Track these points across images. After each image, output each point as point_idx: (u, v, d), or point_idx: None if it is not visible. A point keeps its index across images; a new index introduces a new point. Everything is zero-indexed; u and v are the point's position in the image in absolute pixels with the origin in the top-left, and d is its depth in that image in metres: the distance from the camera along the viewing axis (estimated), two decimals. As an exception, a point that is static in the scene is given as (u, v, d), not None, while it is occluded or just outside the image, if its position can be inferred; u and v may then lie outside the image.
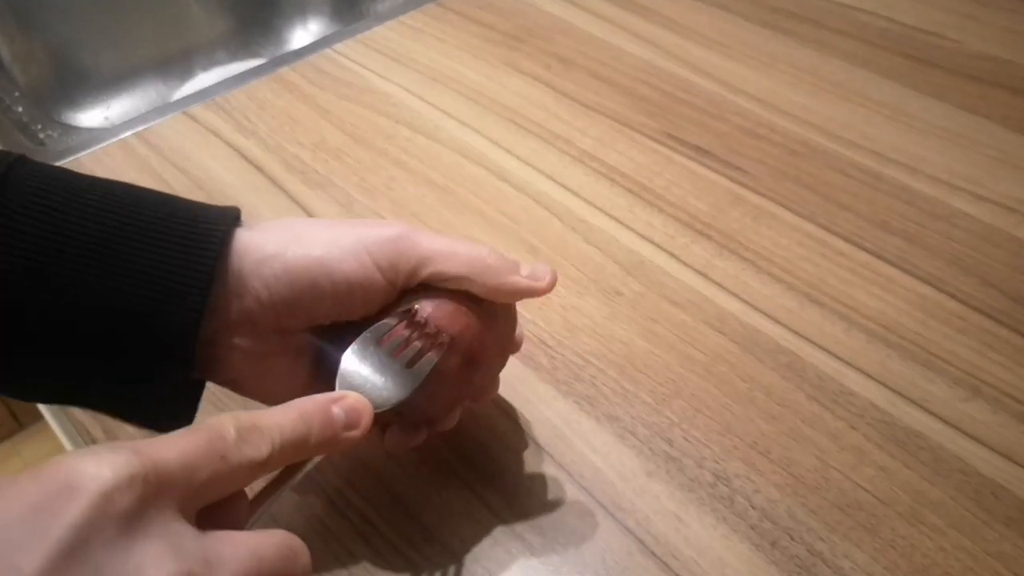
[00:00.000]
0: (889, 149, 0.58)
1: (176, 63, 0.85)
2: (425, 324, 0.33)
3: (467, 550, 0.37)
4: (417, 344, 0.33)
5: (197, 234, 0.30)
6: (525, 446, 0.41)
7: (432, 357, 0.33)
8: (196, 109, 0.64)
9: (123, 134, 0.62)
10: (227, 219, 0.31)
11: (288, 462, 0.28)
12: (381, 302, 0.33)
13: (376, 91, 0.65)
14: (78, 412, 0.42)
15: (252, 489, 0.28)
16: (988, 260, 0.49)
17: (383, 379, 0.32)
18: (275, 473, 0.29)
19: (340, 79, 0.66)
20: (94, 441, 0.41)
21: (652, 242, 0.51)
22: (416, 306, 0.33)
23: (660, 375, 0.44)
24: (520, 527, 0.37)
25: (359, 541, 0.37)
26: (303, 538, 0.37)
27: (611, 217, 0.53)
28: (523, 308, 0.47)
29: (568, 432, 0.41)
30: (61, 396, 0.32)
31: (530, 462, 0.40)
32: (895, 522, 0.37)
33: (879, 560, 0.36)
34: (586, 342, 0.46)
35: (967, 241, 0.51)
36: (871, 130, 0.59)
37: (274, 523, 0.38)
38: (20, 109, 0.69)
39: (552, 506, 0.38)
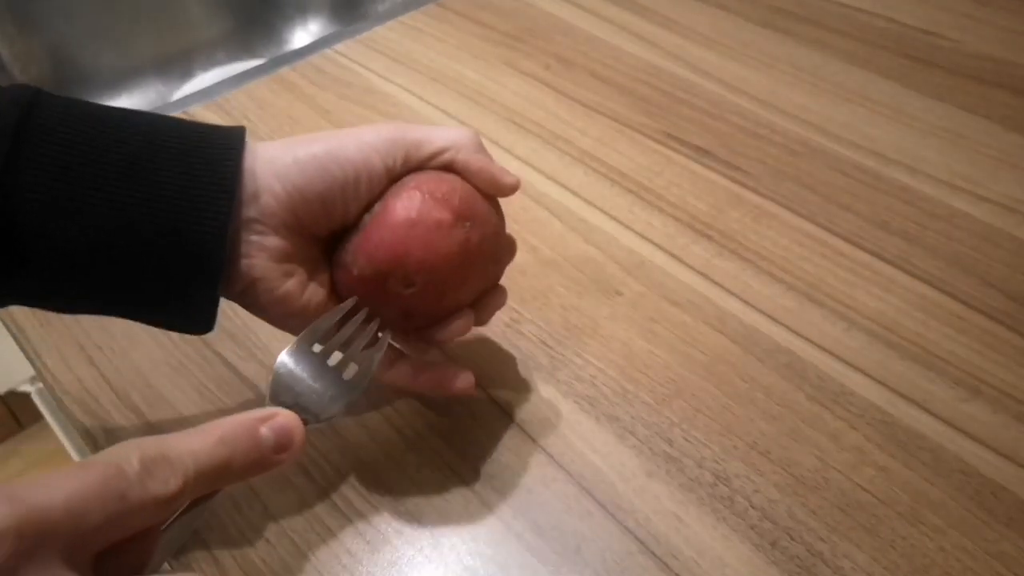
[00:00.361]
0: (889, 149, 0.58)
1: (176, 63, 0.85)
2: (368, 319, 0.33)
3: (467, 550, 0.37)
4: (359, 344, 0.32)
5: (214, 146, 0.32)
6: (525, 446, 0.41)
7: (375, 356, 0.32)
8: (196, 109, 0.64)
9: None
10: (238, 132, 0.34)
11: (206, 491, 0.26)
12: (379, 190, 0.35)
13: (376, 91, 0.65)
14: (78, 412, 0.42)
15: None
16: (988, 260, 0.49)
17: (321, 387, 0.31)
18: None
19: (340, 79, 0.66)
20: (95, 442, 0.41)
21: (652, 242, 0.51)
22: (391, 216, 0.33)
23: (660, 375, 0.44)
24: (520, 527, 0.37)
25: (359, 541, 0.37)
26: (303, 538, 0.37)
27: (611, 217, 0.53)
28: (523, 308, 0.47)
29: (568, 432, 0.41)
30: (95, 308, 0.33)
31: (530, 462, 0.40)
32: (895, 522, 0.37)
33: (879, 560, 0.36)
34: (586, 342, 0.46)
35: (967, 241, 0.51)
36: (871, 130, 0.59)
37: (274, 524, 0.38)
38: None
39: (552, 506, 0.38)
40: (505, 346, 0.45)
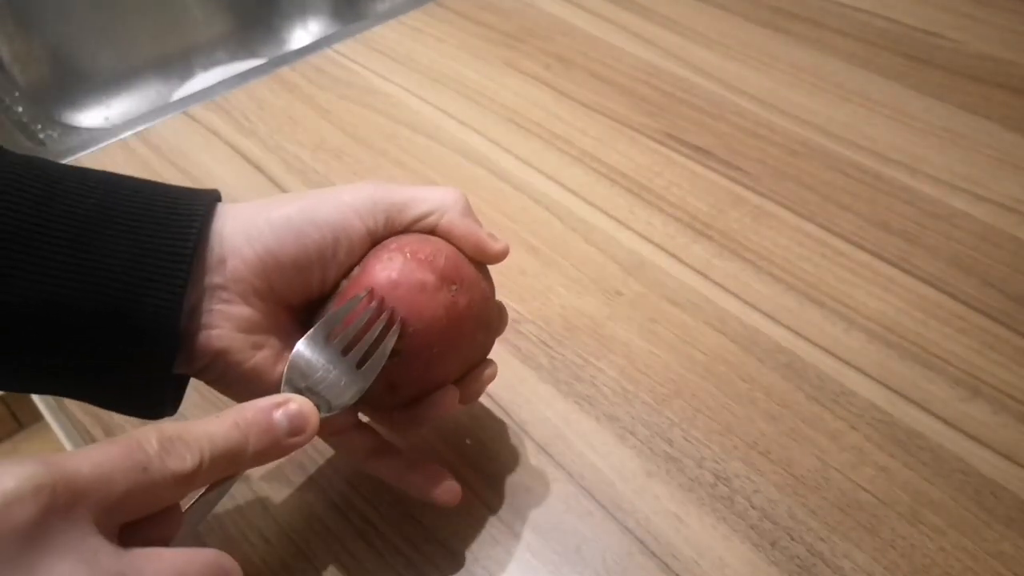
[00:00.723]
0: (889, 149, 0.58)
1: (176, 63, 0.85)
2: (380, 305, 0.31)
3: (467, 550, 0.37)
4: (370, 337, 0.31)
5: (177, 211, 0.30)
6: (525, 446, 0.41)
7: (384, 354, 0.31)
8: (196, 109, 0.64)
9: (123, 134, 0.62)
10: (207, 196, 0.31)
11: (224, 474, 0.27)
12: (360, 252, 0.33)
13: (376, 91, 0.65)
14: (78, 412, 0.42)
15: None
16: (988, 260, 0.49)
17: (336, 376, 0.30)
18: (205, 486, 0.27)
19: (340, 79, 0.66)
20: (94, 440, 0.41)
21: (652, 242, 0.51)
22: (370, 278, 0.32)
23: (660, 375, 0.44)
24: (520, 527, 0.37)
25: (359, 541, 0.37)
26: (303, 538, 0.37)
27: (611, 217, 0.53)
28: (524, 308, 0.47)
29: (568, 432, 0.41)
30: (43, 387, 0.31)
31: (530, 462, 0.40)
32: (895, 522, 0.37)
33: (879, 560, 0.36)
34: (586, 342, 0.46)
35: (967, 241, 0.51)
36: (871, 130, 0.59)
37: (274, 524, 0.38)
38: (20, 109, 0.69)
39: (552, 506, 0.38)
40: (505, 346, 0.45)
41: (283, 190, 0.56)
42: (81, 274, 0.28)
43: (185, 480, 0.25)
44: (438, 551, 0.37)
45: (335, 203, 0.32)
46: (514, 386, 0.43)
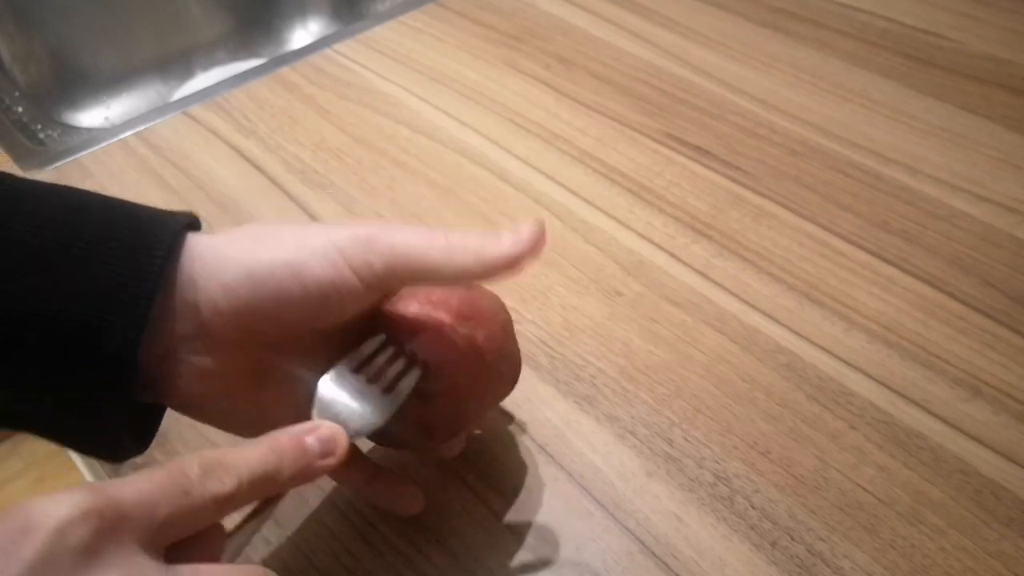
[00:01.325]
0: (889, 149, 0.58)
1: (176, 63, 0.85)
2: (402, 345, 0.32)
3: (467, 550, 0.37)
4: (395, 369, 0.32)
5: (143, 240, 0.27)
6: (525, 446, 0.41)
7: (410, 381, 0.32)
8: (196, 109, 0.64)
9: (123, 134, 0.62)
10: (177, 224, 0.29)
11: (261, 496, 0.28)
12: (355, 308, 0.30)
13: (376, 91, 0.65)
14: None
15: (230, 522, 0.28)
16: (988, 260, 0.49)
17: (360, 405, 0.31)
18: (251, 507, 0.29)
19: (340, 79, 0.66)
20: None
21: (652, 242, 0.51)
22: (392, 322, 0.33)
23: (660, 375, 0.44)
24: (520, 527, 0.37)
25: (359, 541, 0.37)
26: (304, 538, 0.37)
27: (611, 217, 0.53)
28: (523, 308, 0.47)
29: (568, 432, 0.41)
30: (4, 421, 0.29)
31: (530, 462, 0.40)
32: (895, 522, 0.37)
33: (879, 560, 0.36)
34: (586, 342, 0.46)
35: (967, 241, 0.51)
36: (871, 130, 0.59)
37: (274, 524, 0.38)
38: (20, 109, 0.69)
39: (552, 506, 0.38)
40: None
41: (283, 190, 0.56)
42: (38, 301, 0.26)
43: (225, 502, 0.26)
44: (438, 551, 0.37)
45: (327, 255, 0.28)
46: (514, 386, 0.43)
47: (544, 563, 0.36)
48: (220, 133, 0.61)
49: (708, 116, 0.61)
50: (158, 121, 0.63)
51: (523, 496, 0.39)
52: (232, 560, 0.28)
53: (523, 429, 0.41)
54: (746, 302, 0.47)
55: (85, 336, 0.26)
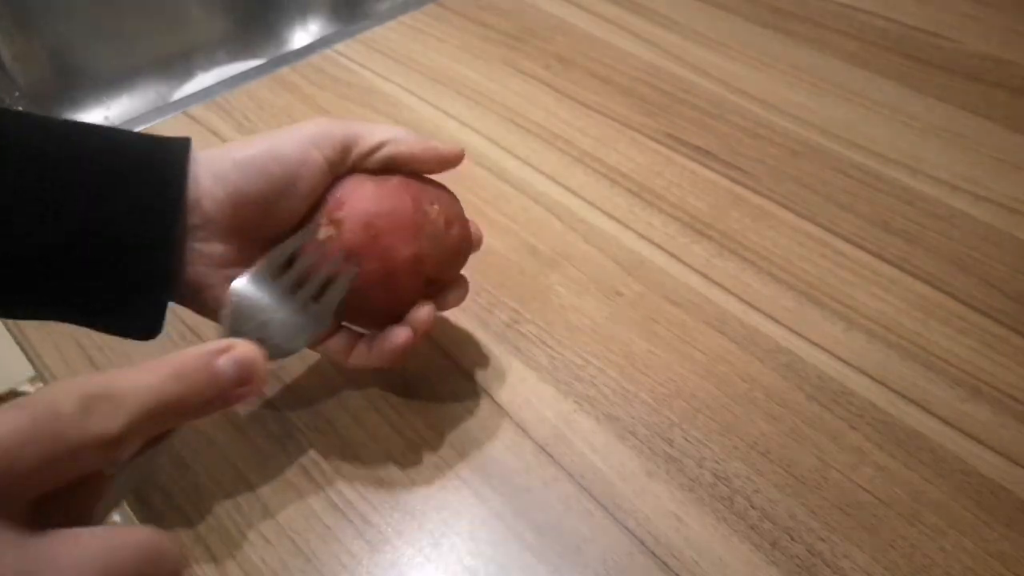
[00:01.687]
0: (889, 149, 0.58)
1: (176, 63, 0.85)
2: (329, 239, 0.31)
3: (467, 550, 0.37)
4: (322, 273, 0.29)
5: (158, 162, 0.33)
6: (525, 446, 0.41)
7: (342, 287, 0.29)
8: (196, 109, 0.64)
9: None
10: (182, 144, 0.34)
11: (158, 431, 0.23)
12: (322, 184, 0.35)
13: (376, 91, 0.65)
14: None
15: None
16: (988, 260, 0.49)
17: (284, 317, 0.28)
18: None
19: (340, 79, 0.66)
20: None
21: (652, 242, 0.51)
22: (321, 219, 0.34)
23: (660, 375, 0.44)
24: (520, 527, 0.37)
25: (359, 541, 0.37)
26: (303, 538, 0.37)
27: (611, 217, 0.53)
28: (523, 308, 0.47)
29: (568, 432, 0.41)
30: (38, 313, 0.34)
31: (530, 462, 0.40)
32: (895, 522, 0.37)
33: (879, 560, 0.36)
34: (586, 342, 0.46)
35: (967, 241, 0.51)
36: (871, 130, 0.59)
37: (274, 524, 0.38)
38: (20, 109, 0.69)
39: (552, 506, 0.38)
40: (505, 346, 0.45)
41: (283, 190, 0.56)
42: (83, 219, 0.31)
43: (112, 444, 0.21)
44: (438, 551, 0.37)
45: (294, 139, 0.34)
46: (514, 386, 0.43)
47: (544, 563, 0.36)
48: (220, 133, 0.61)
49: (708, 116, 0.61)
50: (158, 121, 0.63)
51: (523, 496, 0.39)
52: (115, 504, 0.24)
53: (523, 429, 0.41)
54: (746, 302, 0.47)
55: (126, 242, 0.31)
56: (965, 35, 0.68)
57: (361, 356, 0.37)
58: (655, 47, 0.68)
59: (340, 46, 0.70)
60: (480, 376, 0.44)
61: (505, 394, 0.43)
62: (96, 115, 0.81)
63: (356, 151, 0.36)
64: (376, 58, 0.69)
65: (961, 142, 0.58)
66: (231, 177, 0.33)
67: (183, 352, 0.24)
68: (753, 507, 0.38)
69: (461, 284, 0.39)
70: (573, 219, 0.53)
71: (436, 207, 0.36)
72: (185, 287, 0.34)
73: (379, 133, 0.37)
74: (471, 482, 0.39)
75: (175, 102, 0.64)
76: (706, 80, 0.65)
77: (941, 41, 0.67)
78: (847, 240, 0.51)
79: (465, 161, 0.58)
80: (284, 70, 0.67)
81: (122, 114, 0.82)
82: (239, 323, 0.27)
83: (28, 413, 0.20)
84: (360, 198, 0.34)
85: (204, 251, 0.33)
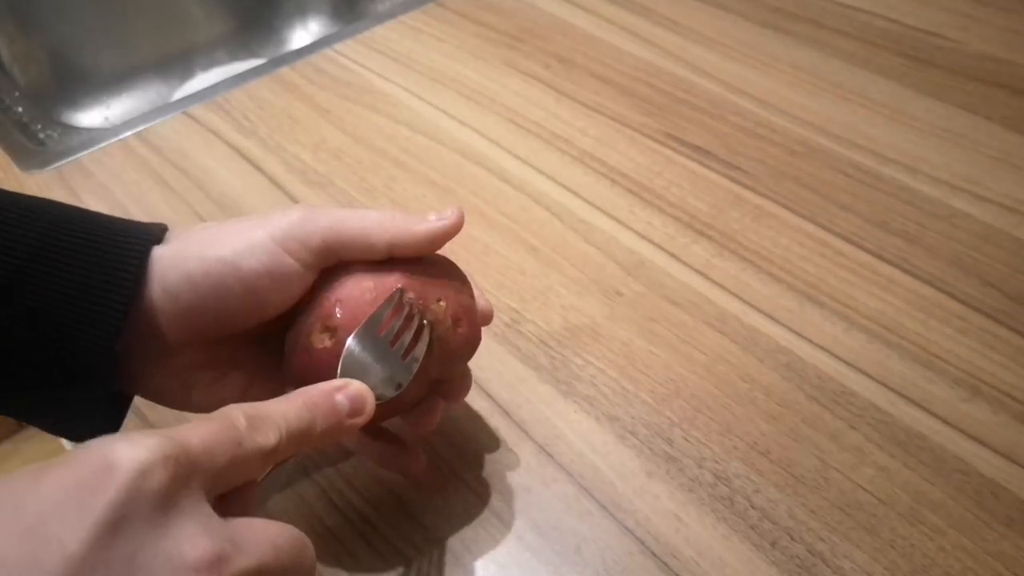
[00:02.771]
0: (889, 149, 0.58)
1: (176, 63, 0.85)
2: (411, 306, 0.32)
3: (467, 550, 0.37)
4: (410, 331, 0.32)
5: (116, 252, 0.30)
6: (525, 446, 0.41)
7: (424, 342, 0.32)
8: (196, 109, 0.64)
9: (123, 134, 0.62)
10: (148, 235, 0.31)
11: (295, 452, 0.28)
12: (300, 288, 0.32)
13: (376, 91, 0.65)
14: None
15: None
16: (988, 260, 0.49)
17: (382, 368, 0.32)
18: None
19: (340, 79, 0.66)
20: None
21: (652, 242, 0.51)
22: (400, 286, 0.33)
23: (660, 375, 0.44)
24: (520, 527, 0.37)
25: (359, 541, 0.37)
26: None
27: (611, 217, 0.53)
28: (523, 308, 0.47)
29: (568, 432, 0.41)
30: None
31: (530, 462, 0.40)
32: (895, 522, 0.37)
33: (879, 560, 0.36)
34: (586, 342, 0.46)
35: (967, 241, 0.51)
36: (871, 130, 0.59)
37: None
38: (20, 109, 0.69)
39: (552, 506, 0.38)
40: (505, 346, 0.45)
41: (283, 190, 0.56)
42: (16, 305, 0.29)
43: (269, 455, 0.26)
44: (438, 551, 0.37)
45: (262, 245, 0.31)
46: (514, 386, 0.43)
47: (544, 563, 0.36)
48: (220, 133, 0.61)
49: (708, 116, 0.61)
50: (158, 121, 0.63)
51: (523, 496, 0.39)
52: (259, 508, 0.28)
53: (523, 429, 0.41)
54: (746, 302, 0.47)
55: (62, 347, 0.29)
56: (965, 35, 0.68)
57: (366, 450, 0.38)
58: (655, 47, 0.68)
59: (340, 46, 0.70)
60: (480, 376, 0.44)
61: (505, 394, 0.43)
62: (96, 115, 0.81)
63: (344, 253, 0.32)
64: (376, 58, 0.69)
65: (961, 142, 0.58)
66: (184, 295, 0.30)
67: (311, 387, 0.29)
68: (753, 507, 0.38)
69: (466, 377, 0.37)
70: (573, 219, 0.53)
71: (443, 304, 0.33)
72: (144, 393, 0.33)
73: (367, 229, 0.32)
74: (471, 482, 0.39)
75: (175, 102, 0.64)
76: (706, 80, 0.64)
77: (941, 41, 0.67)
78: (847, 240, 0.51)
79: (465, 161, 0.58)
80: (284, 70, 0.67)
81: (122, 114, 0.82)
82: (349, 370, 0.31)
83: (217, 423, 0.25)
84: (358, 303, 0.32)
85: (159, 360, 0.32)
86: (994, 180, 0.55)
